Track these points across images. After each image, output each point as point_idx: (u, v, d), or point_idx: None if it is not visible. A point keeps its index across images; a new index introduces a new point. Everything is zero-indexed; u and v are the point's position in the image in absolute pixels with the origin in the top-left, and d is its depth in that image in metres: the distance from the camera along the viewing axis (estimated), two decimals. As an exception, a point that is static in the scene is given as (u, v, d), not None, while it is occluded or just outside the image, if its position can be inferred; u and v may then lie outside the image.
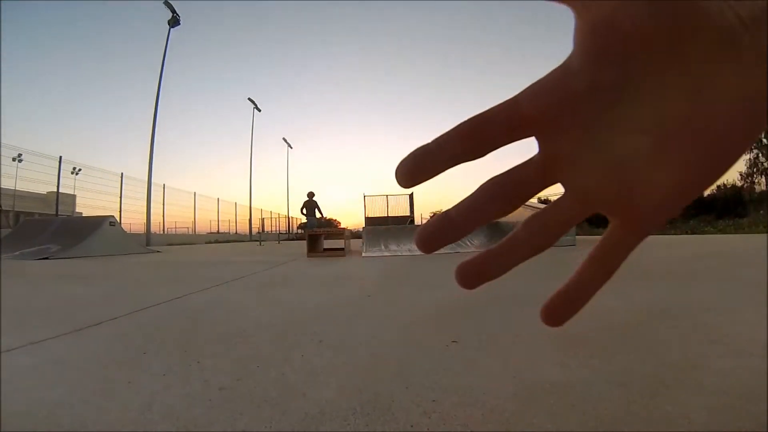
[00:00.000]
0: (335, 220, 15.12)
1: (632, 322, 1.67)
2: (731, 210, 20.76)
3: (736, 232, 13.49)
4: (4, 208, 15.45)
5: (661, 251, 5.82)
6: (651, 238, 10.09)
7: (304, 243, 7.49)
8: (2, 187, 14.62)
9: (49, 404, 0.98)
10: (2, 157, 13.85)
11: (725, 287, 2.48)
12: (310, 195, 12.72)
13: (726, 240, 8.86)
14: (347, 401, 0.96)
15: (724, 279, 2.86)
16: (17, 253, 6.96)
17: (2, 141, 13.72)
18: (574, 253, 5.81)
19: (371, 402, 0.96)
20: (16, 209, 19.83)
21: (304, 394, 1.01)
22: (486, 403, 0.94)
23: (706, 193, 32.77)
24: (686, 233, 14.70)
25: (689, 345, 1.34)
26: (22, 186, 16.62)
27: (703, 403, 0.91)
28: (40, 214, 19.88)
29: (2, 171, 13.86)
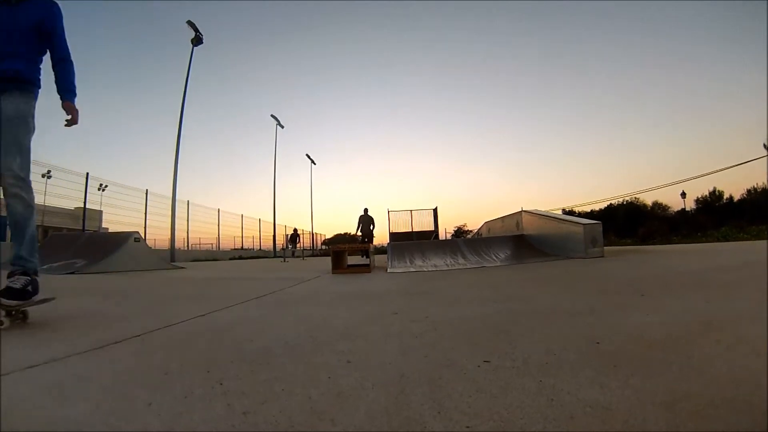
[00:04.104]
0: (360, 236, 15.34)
1: (671, 337, 1.58)
2: (763, 214, 20.03)
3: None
4: (33, 223, 15.88)
5: (696, 261, 5.63)
6: (682, 248, 9.76)
7: (328, 259, 7.44)
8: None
9: (67, 423, 0.97)
10: (32, 174, 14.29)
11: (765, 297, 2.34)
12: (365, 211, 14.34)
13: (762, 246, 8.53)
14: (377, 427, 0.92)
15: (764, 289, 2.71)
16: (44, 267, 7.13)
17: (33, 158, 14.16)
18: (603, 264, 5.66)
19: (402, 428, 0.91)
20: (44, 224, 20.44)
21: (331, 419, 0.96)
22: (524, 428, 0.88)
23: (737, 197, 31.97)
24: (718, 240, 14.20)
25: (735, 359, 1.26)
26: (51, 202, 17.11)
27: (755, 423, 0.84)
28: (67, 230, 20.46)
29: (33, 187, 14.27)
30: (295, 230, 26.95)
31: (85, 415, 1.02)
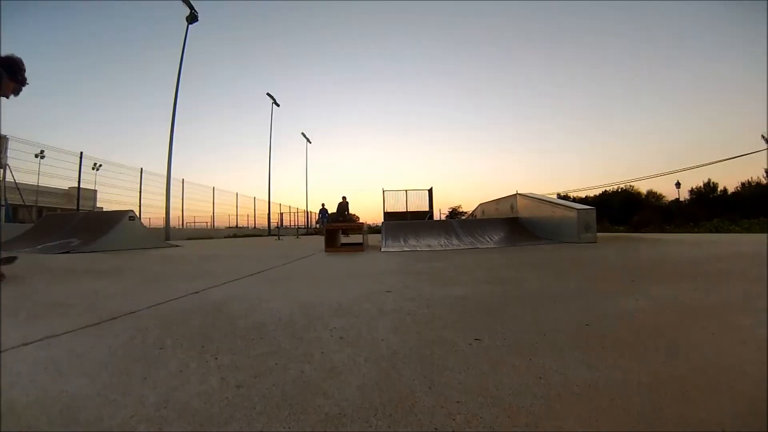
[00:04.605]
0: (354, 215, 15.49)
1: (661, 322, 1.60)
2: (757, 208, 20.06)
3: (762, 231, 12.95)
4: (27, 203, 15.79)
5: (686, 250, 5.67)
6: (675, 237, 9.81)
7: (322, 238, 7.46)
8: (25, 183, 14.93)
9: (64, 397, 0.98)
10: (25, 154, 14.12)
11: (754, 288, 2.38)
12: (343, 198, 16.31)
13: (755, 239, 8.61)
14: (369, 401, 0.93)
15: (753, 279, 2.75)
16: (39, 247, 7.10)
17: (25, 138, 13.97)
18: (595, 250, 5.70)
19: (393, 402, 0.93)
20: (39, 204, 20.29)
21: (324, 393, 0.98)
22: (512, 404, 0.90)
23: (731, 190, 32.05)
24: (710, 231, 14.27)
25: (720, 346, 1.28)
26: (45, 182, 16.93)
27: (737, 409, 0.87)
28: (62, 209, 20.33)
29: (26, 167, 14.14)
30: (323, 205, 24.34)
31: (81, 389, 1.03)
